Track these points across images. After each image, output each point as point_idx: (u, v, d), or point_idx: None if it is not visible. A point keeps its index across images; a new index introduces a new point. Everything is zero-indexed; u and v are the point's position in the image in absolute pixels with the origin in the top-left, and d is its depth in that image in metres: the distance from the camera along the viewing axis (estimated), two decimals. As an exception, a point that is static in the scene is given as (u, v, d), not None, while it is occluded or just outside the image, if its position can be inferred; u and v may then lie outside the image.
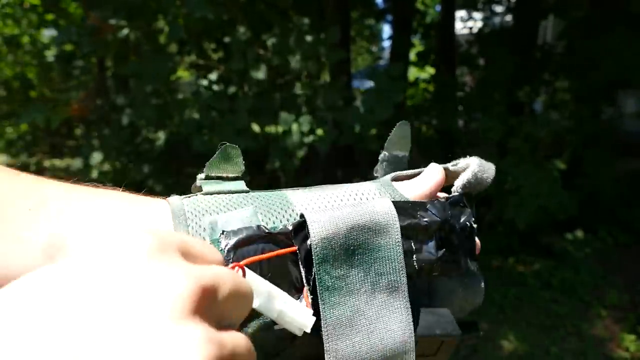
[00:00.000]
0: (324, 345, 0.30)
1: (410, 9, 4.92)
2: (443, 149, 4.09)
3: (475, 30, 5.36)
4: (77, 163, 3.56)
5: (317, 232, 0.30)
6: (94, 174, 3.42)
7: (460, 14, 6.36)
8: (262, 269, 0.29)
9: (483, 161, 0.39)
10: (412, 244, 0.33)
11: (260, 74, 2.73)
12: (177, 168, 3.81)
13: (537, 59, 4.18)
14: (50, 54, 5.18)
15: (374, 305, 0.31)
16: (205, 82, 3.19)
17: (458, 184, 0.38)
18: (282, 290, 0.29)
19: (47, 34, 5.52)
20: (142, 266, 0.20)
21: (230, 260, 0.29)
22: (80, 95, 4.07)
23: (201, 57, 3.53)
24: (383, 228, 0.31)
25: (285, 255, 0.30)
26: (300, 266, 0.30)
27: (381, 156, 0.41)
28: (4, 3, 4.81)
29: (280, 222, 0.31)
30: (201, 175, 0.34)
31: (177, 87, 3.44)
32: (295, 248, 0.30)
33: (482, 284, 0.37)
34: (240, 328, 0.28)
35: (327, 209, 0.32)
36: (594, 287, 3.10)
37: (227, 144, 0.34)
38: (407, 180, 0.39)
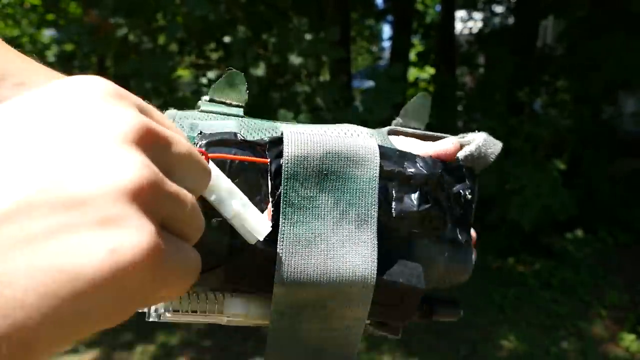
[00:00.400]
0: (277, 260, 0.29)
1: (411, 10, 4.92)
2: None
3: (475, 30, 5.36)
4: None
5: (292, 148, 0.30)
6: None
7: (461, 14, 6.36)
8: (231, 172, 0.29)
9: (490, 137, 0.38)
10: (393, 190, 0.32)
11: (260, 70, 2.73)
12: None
13: (537, 59, 4.18)
14: (50, 54, 5.18)
15: (339, 234, 0.30)
16: (205, 81, 3.19)
17: (460, 155, 0.37)
18: (243, 194, 0.28)
19: (47, 34, 5.52)
20: (95, 101, 0.20)
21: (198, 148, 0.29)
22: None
23: (201, 57, 3.53)
24: (361, 160, 0.31)
25: (257, 168, 0.30)
26: (269, 179, 0.30)
27: (394, 122, 0.40)
28: (5, 3, 4.81)
29: (261, 139, 0.31)
30: (205, 97, 0.34)
31: (177, 86, 3.44)
32: (267, 160, 0.30)
33: (472, 258, 0.36)
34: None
35: (314, 131, 0.32)
36: (594, 287, 3.10)
37: (233, 69, 0.34)
38: (413, 138, 0.37)
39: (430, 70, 5.34)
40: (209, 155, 0.28)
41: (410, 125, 0.40)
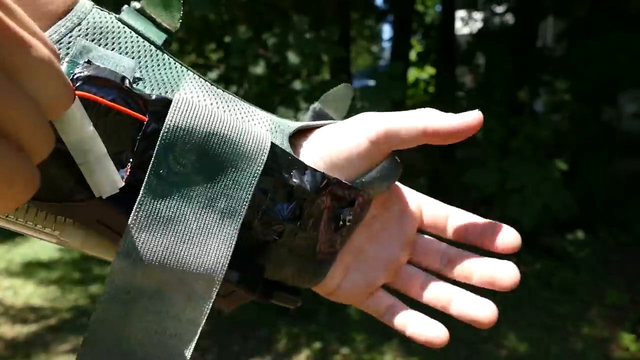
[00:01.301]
0: (125, 230, 0.26)
1: (411, 10, 4.92)
2: (442, 149, 4.10)
3: (475, 30, 5.37)
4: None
5: (176, 117, 0.26)
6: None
7: (461, 14, 6.36)
8: (99, 117, 0.25)
9: (394, 160, 0.34)
10: (269, 194, 0.30)
11: (259, 68, 2.73)
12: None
13: (537, 59, 4.18)
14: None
15: (201, 221, 0.27)
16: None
17: (362, 179, 0.33)
18: (103, 145, 0.25)
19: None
20: None
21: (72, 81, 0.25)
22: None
23: (201, 57, 3.53)
24: (249, 153, 0.28)
25: (130, 123, 0.26)
26: (139, 140, 0.26)
27: (312, 106, 0.38)
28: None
29: (150, 94, 0.27)
30: (136, 4, 0.29)
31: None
32: (145, 118, 0.26)
33: (325, 271, 0.35)
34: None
35: (209, 105, 0.29)
36: (594, 287, 3.10)
37: None
38: (329, 132, 0.34)
39: (430, 70, 5.35)
40: (78, 92, 0.25)
41: (327, 114, 0.37)
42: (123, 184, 0.26)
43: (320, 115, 0.37)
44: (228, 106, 0.30)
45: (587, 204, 3.56)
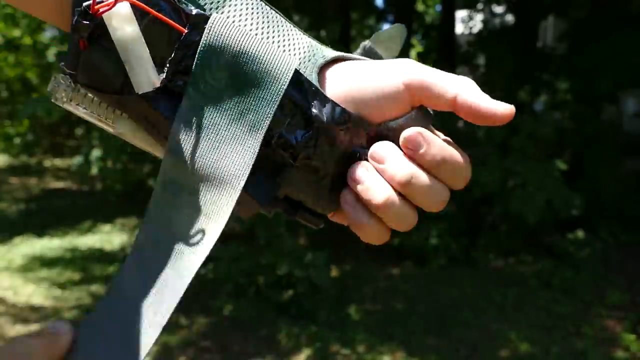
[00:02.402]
0: (169, 134, 0.30)
1: (411, 10, 4.92)
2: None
3: (475, 30, 5.37)
4: (77, 160, 3.57)
5: (210, 36, 0.30)
6: (94, 171, 3.42)
7: (461, 14, 6.36)
8: (144, 25, 0.29)
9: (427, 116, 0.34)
10: (288, 118, 0.32)
11: None
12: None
13: (538, 59, 4.18)
14: (50, 54, 5.18)
15: (230, 131, 0.31)
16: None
17: (389, 122, 0.33)
18: (146, 47, 0.29)
19: (48, 34, 5.52)
20: None
21: None
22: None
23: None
24: (274, 72, 0.31)
25: (171, 34, 0.30)
26: (177, 49, 0.30)
27: (362, 43, 0.38)
28: (5, 4, 4.81)
29: (192, 9, 0.30)
30: None
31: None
32: (184, 30, 0.30)
33: (335, 205, 0.35)
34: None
35: (243, 26, 0.31)
36: (594, 287, 3.10)
37: None
38: (366, 69, 0.33)
39: (430, 70, 5.33)
40: None
41: (377, 53, 0.37)
42: (159, 84, 0.29)
43: (369, 53, 0.37)
44: (268, 28, 0.32)
45: (590, 203, 3.56)
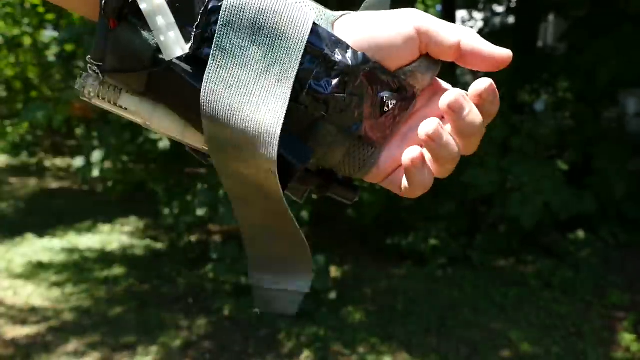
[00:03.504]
0: (201, 95, 0.31)
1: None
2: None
3: (475, 30, 5.36)
4: (78, 163, 3.56)
5: None
6: (95, 172, 3.42)
7: (461, 14, 6.36)
8: None
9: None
10: (315, 69, 0.33)
11: None
12: (179, 168, 3.81)
13: (538, 59, 4.18)
14: (50, 54, 5.18)
15: (259, 85, 0.32)
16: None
17: (406, 69, 0.34)
18: (172, 15, 0.30)
19: (48, 34, 5.52)
20: None
21: None
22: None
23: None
24: (295, 22, 0.32)
25: (196, 1, 0.31)
26: (201, 15, 0.31)
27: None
28: (5, 3, 4.81)
29: None
30: None
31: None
32: None
33: (374, 161, 0.36)
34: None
35: None
36: (594, 287, 3.10)
37: None
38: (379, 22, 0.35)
39: (430, 70, 5.32)
40: None
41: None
42: (188, 49, 0.31)
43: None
44: None
45: (603, 202, 3.55)
